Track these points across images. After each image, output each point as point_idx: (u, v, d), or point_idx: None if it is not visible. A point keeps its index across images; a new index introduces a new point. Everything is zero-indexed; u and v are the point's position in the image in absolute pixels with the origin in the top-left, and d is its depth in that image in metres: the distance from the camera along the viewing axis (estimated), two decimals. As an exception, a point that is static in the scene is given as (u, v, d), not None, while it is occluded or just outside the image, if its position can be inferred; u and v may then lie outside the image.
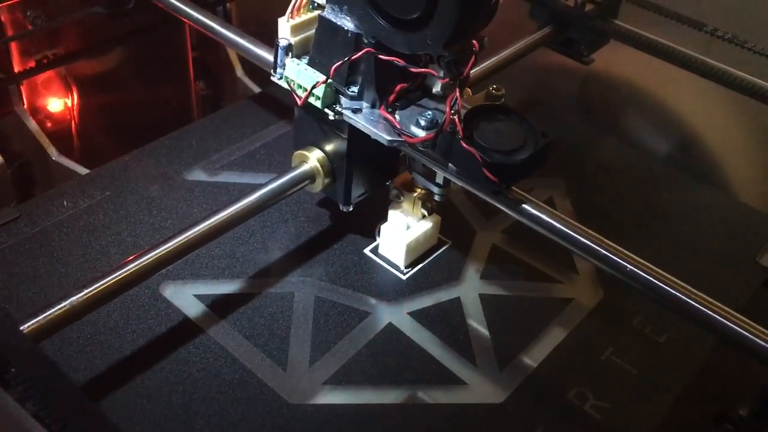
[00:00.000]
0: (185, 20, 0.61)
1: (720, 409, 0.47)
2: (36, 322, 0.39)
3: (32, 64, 0.69)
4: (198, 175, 0.57)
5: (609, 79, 0.77)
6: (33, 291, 0.47)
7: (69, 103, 0.74)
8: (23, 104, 0.69)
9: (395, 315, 0.49)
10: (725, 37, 0.60)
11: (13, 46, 0.68)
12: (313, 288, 0.50)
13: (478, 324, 0.49)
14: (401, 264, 0.51)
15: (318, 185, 0.50)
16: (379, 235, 0.52)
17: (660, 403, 0.45)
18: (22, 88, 0.69)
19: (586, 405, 0.45)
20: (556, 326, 0.49)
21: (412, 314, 0.49)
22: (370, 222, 0.53)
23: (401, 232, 0.50)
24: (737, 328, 0.38)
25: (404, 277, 0.51)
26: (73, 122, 0.75)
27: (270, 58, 0.48)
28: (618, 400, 0.45)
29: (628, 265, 0.40)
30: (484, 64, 0.60)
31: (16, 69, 0.68)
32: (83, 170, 0.65)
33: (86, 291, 0.40)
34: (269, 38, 0.50)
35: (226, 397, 0.43)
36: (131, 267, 0.42)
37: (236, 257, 0.51)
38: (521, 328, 0.49)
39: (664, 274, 0.40)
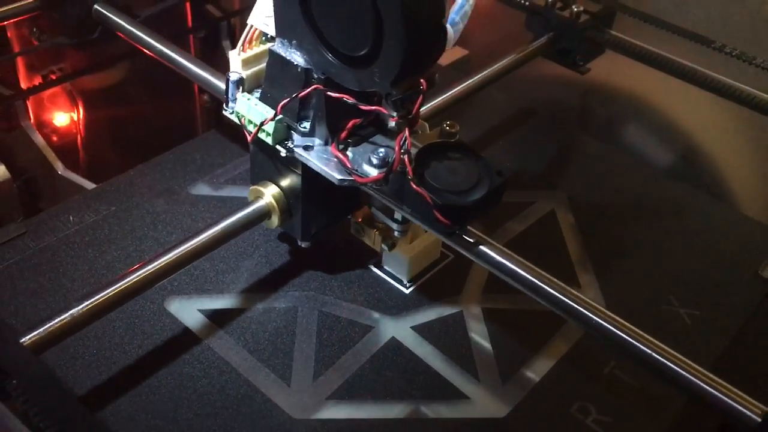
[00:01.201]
0: (147, 52, 0.59)
1: (723, 422, 0.47)
2: (37, 333, 0.39)
3: (38, 79, 0.70)
4: (202, 189, 0.58)
5: (611, 91, 0.78)
6: (39, 307, 0.48)
7: (75, 118, 0.75)
8: (30, 119, 0.70)
9: (399, 329, 0.49)
10: (720, 47, 0.60)
11: (20, 62, 0.68)
12: (316, 302, 0.50)
13: (480, 338, 0.49)
14: (404, 278, 0.52)
15: (274, 221, 0.48)
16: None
17: (663, 416, 0.46)
18: (29, 103, 0.69)
19: (588, 419, 0.45)
20: (559, 340, 0.49)
21: (415, 328, 0.49)
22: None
23: (404, 246, 0.51)
24: (704, 385, 0.37)
25: (407, 291, 0.51)
26: (79, 137, 0.76)
27: None
28: (621, 414, 0.45)
29: (589, 313, 0.40)
30: (481, 74, 0.60)
31: (23, 85, 0.69)
32: (89, 184, 0.65)
33: (86, 303, 0.40)
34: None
35: (231, 412, 0.43)
36: (130, 279, 0.42)
37: (240, 272, 0.51)
38: (524, 342, 0.49)
39: (623, 322, 0.39)
